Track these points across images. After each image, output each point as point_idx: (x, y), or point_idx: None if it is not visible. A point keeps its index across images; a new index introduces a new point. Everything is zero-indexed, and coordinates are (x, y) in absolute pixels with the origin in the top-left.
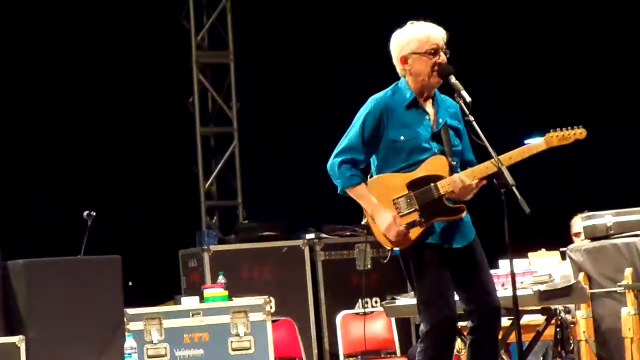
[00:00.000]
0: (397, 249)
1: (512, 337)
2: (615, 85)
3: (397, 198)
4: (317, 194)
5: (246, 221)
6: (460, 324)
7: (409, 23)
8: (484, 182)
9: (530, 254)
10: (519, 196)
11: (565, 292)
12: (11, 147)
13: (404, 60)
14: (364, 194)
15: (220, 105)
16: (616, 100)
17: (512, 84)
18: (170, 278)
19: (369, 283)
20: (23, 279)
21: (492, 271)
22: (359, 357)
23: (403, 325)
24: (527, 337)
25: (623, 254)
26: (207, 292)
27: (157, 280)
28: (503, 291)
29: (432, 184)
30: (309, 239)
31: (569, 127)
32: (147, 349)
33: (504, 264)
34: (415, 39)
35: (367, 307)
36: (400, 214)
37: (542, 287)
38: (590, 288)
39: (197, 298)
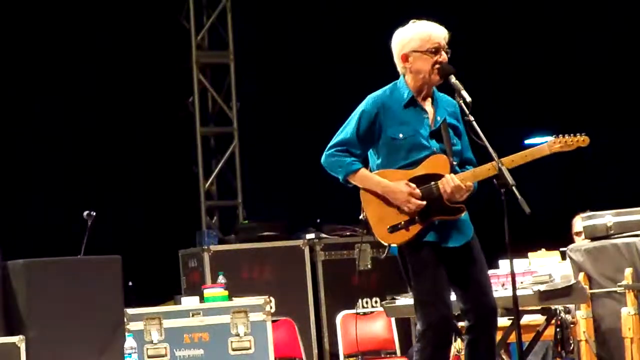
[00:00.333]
0: (395, 245)
1: (512, 337)
2: (615, 86)
3: None
4: (317, 194)
5: (246, 221)
6: (461, 324)
7: (411, 21)
8: (470, 184)
9: (530, 254)
10: (519, 196)
11: (565, 292)
12: (11, 147)
13: (405, 58)
14: (368, 176)
15: (220, 105)
16: (616, 101)
17: (512, 84)
18: (170, 278)
19: (369, 283)
20: (23, 279)
21: (492, 271)
22: (359, 357)
23: (403, 325)
24: (527, 337)
25: (623, 254)
26: (207, 292)
27: (157, 280)
28: (503, 291)
29: (432, 183)
30: (309, 239)
31: (572, 134)
32: (147, 349)
33: (504, 264)
34: (416, 38)
35: (367, 307)
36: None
37: (542, 287)
38: (590, 288)
39: (197, 298)
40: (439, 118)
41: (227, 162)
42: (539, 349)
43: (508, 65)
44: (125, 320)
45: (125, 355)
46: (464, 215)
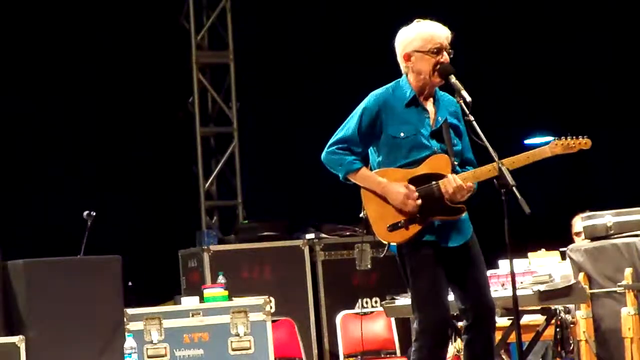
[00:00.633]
0: (394, 244)
1: (512, 337)
2: (615, 86)
3: None
4: (317, 194)
5: (246, 221)
6: (460, 323)
7: (415, 21)
8: (471, 185)
9: (530, 254)
10: (519, 196)
11: (565, 292)
12: (11, 147)
13: (407, 57)
14: (369, 175)
15: (220, 105)
16: (616, 101)
17: (512, 84)
18: (170, 278)
19: (369, 283)
20: (23, 279)
21: (492, 271)
22: (359, 357)
23: (403, 325)
24: (527, 337)
25: (623, 254)
26: (207, 292)
27: (157, 280)
28: (503, 291)
29: (434, 183)
30: (309, 239)
31: (574, 137)
32: (147, 349)
33: (504, 264)
34: (419, 37)
35: (367, 307)
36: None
37: (542, 287)
38: (590, 288)
39: (197, 298)
40: (440, 118)
41: (227, 162)
42: (539, 349)
43: (508, 65)
44: (125, 320)
45: (125, 355)
46: (464, 215)
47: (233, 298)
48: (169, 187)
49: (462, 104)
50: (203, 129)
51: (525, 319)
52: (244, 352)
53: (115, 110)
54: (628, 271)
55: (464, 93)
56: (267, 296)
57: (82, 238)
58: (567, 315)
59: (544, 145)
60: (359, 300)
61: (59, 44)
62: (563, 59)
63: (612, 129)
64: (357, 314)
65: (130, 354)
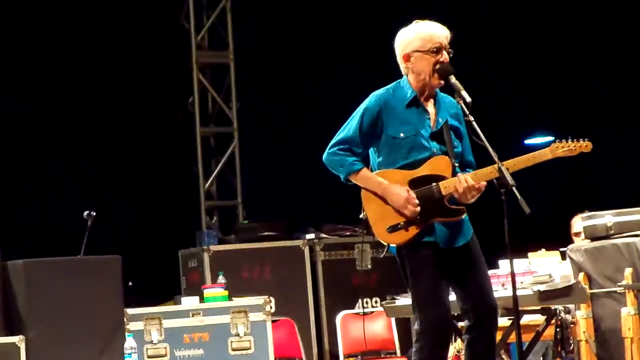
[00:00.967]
0: (394, 245)
1: (512, 337)
2: (615, 86)
3: None
4: (317, 194)
5: (246, 221)
6: (461, 324)
7: (414, 22)
8: (484, 184)
9: (530, 254)
10: (519, 196)
11: (565, 292)
12: (11, 147)
13: (407, 57)
14: (369, 176)
15: (220, 105)
16: (616, 101)
17: (512, 84)
18: (170, 278)
19: (369, 283)
20: (23, 279)
21: (492, 271)
22: (359, 357)
23: (403, 325)
24: (527, 337)
25: (623, 254)
26: (207, 292)
27: (157, 280)
28: (503, 291)
29: (434, 184)
30: (309, 239)
31: (575, 139)
32: (147, 349)
33: (504, 264)
34: (418, 37)
35: (367, 307)
36: None
37: (542, 287)
38: (590, 288)
39: (197, 298)
40: (440, 120)
41: (227, 162)
42: (539, 349)
43: (508, 65)
44: (125, 320)
45: (125, 355)
46: (464, 216)
47: (233, 298)
48: (169, 187)
49: (462, 104)
50: (203, 129)
51: (525, 319)
52: (244, 352)
53: (115, 110)
54: (628, 271)
55: (464, 93)
56: (267, 296)
57: (82, 238)
58: (567, 315)
59: (545, 147)
60: (359, 300)
61: (59, 44)
62: (563, 59)
63: (612, 129)
64: (357, 314)
65: (130, 354)
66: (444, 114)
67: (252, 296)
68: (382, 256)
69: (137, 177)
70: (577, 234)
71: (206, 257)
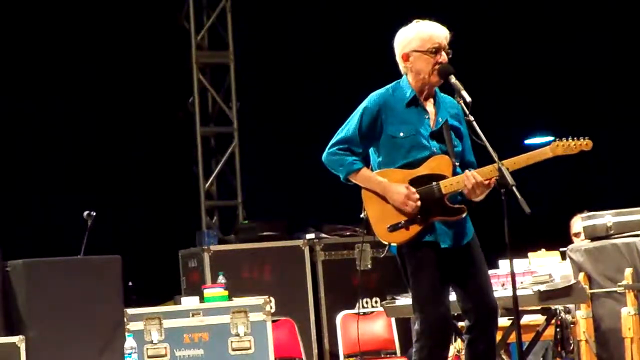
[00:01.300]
0: (394, 245)
1: (512, 337)
2: (615, 86)
3: None
4: (317, 194)
5: (246, 221)
6: (461, 323)
7: (414, 21)
8: (494, 180)
9: (530, 254)
10: (519, 196)
11: (565, 292)
12: (11, 147)
13: (406, 57)
14: (369, 175)
15: (220, 105)
16: (616, 100)
17: (512, 84)
18: (170, 278)
19: (369, 283)
20: (23, 279)
21: (492, 271)
22: (359, 357)
23: (403, 325)
24: (527, 337)
25: (623, 254)
26: (207, 292)
27: (157, 280)
28: (503, 291)
29: (434, 183)
30: (309, 239)
31: (575, 138)
32: (147, 349)
33: (504, 264)
34: (417, 37)
35: (367, 307)
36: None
37: (542, 287)
38: (590, 288)
39: (197, 298)
40: (440, 119)
41: (227, 162)
42: (539, 349)
43: (508, 65)
44: (125, 320)
45: (125, 355)
46: (464, 215)
47: (233, 298)
48: (169, 187)
49: (462, 104)
50: (203, 129)
51: (525, 319)
52: (244, 352)
53: (115, 110)
54: (628, 271)
55: (464, 93)
56: (267, 296)
57: (82, 238)
58: (567, 315)
59: (545, 146)
60: (359, 300)
61: (59, 44)
62: (563, 59)
63: (612, 129)
64: (357, 313)
65: (130, 354)
66: (443, 113)
67: (252, 296)
68: (382, 256)
69: (137, 177)
70: (577, 234)
71: (206, 257)
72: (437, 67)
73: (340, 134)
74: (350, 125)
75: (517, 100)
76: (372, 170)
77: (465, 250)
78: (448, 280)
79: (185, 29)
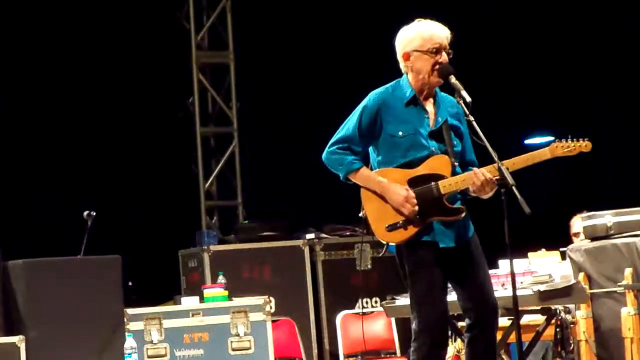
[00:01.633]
0: (393, 244)
1: (512, 337)
2: (615, 86)
3: None
4: (317, 194)
5: (246, 221)
6: (461, 323)
7: (415, 21)
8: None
9: (530, 254)
10: (519, 196)
11: (565, 292)
12: (11, 147)
13: (407, 57)
14: (369, 175)
15: (220, 105)
16: (616, 101)
17: (512, 84)
18: (170, 278)
19: (369, 283)
20: (23, 279)
21: (492, 271)
22: (359, 357)
23: (403, 325)
24: (527, 337)
25: (623, 254)
26: (207, 292)
27: (157, 280)
28: (503, 291)
29: (433, 183)
30: (309, 239)
31: (575, 139)
32: (147, 349)
33: (504, 264)
34: (418, 37)
35: (367, 307)
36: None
37: (542, 287)
38: (590, 288)
39: (197, 298)
40: (439, 119)
41: (227, 162)
42: (539, 349)
43: (508, 65)
44: (125, 320)
45: (125, 355)
46: (463, 215)
47: (233, 298)
48: (169, 187)
49: (462, 104)
50: (203, 129)
51: (525, 319)
52: (244, 352)
53: (115, 110)
54: (628, 271)
55: (464, 93)
56: (267, 296)
57: (82, 238)
58: (567, 315)
59: (545, 147)
60: (359, 300)
61: (59, 43)
62: (563, 59)
63: (612, 129)
64: (357, 314)
65: (130, 354)
66: (443, 113)
67: (252, 296)
68: (381, 255)
69: (137, 177)
70: (576, 234)
71: (206, 257)
72: (437, 67)
73: (339, 132)
74: (349, 124)
75: (517, 100)
76: (371, 169)
77: (465, 249)
78: (447, 279)
79: (185, 29)
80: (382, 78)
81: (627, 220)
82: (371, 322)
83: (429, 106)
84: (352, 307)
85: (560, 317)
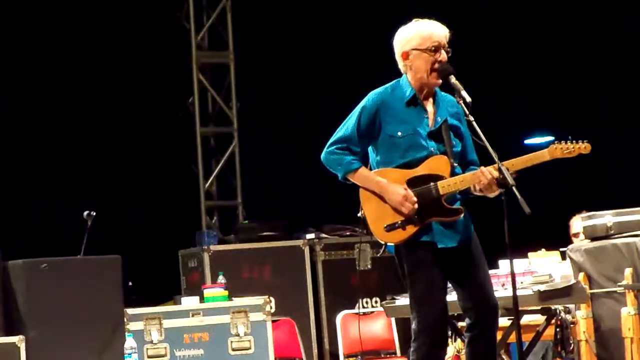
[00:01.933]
0: (392, 244)
1: (512, 337)
2: (615, 86)
3: None
4: (317, 194)
5: (246, 221)
6: (461, 324)
7: (413, 20)
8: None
9: (530, 254)
10: (519, 196)
11: (565, 292)
12: (11, 147)
13: (406, 56)
14: (367, 175)
15: (220, 105)
16: (616, 101)
17: (512, 84)
18: (170, 278)
19: (369, 283)
20: (23, 279)
21: (492, 271)
22: (359, 357)
23: (403, 325)
24: (527, 337)
25: (623, 254)
26: (207, 292)
27: (157, 280)
28: (503, 291)
29: (432, 184)
30: (309, 239)
31: (574, 141)
32: (147, 349)
33: (504, 264)
34: (417, 36)
35: (367, 307)
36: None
37: (542, 287)
38: (590, 288)
39: (197, 298)
40: (439, 119)
41: (227, 162)
42: (539, 349)
43: (508, 65)
44: (125, 320)
45: (125, 355)
46: (462, 215)
47: (233, 298)
48: (169, 187)
49: (462, 105)
50: (203, 129)
51: (525, 319)
52: (244, 352)
53: (115, 110)
54: (628, 271)
55: (464, 93)
56: (267, 296)
57: (82, 238)
58: (567, 315)
59: (544, 148)
60: (359, 300)
61: (59, 43)
62: (563, 59)
63: (612, 129)
64: (357, 314)
65: (130, 354)
66: (443, 113)
67: (252, 296)
68: (379, 255)
69: (137, 177)
70: (576, 235)
71: (206, 257)
72: (436, 65)
73: (338, 132)
74: (348, 124)
75: (517, 100)
76: (370, 169)
77: (465, 249)
78: (447, 279)
79: (185, 29)
80: (382, 78)
81: (627, 220)
82: (371, 322)
83: (429, 106)
84: (352, 307)
85: (560, 317)
